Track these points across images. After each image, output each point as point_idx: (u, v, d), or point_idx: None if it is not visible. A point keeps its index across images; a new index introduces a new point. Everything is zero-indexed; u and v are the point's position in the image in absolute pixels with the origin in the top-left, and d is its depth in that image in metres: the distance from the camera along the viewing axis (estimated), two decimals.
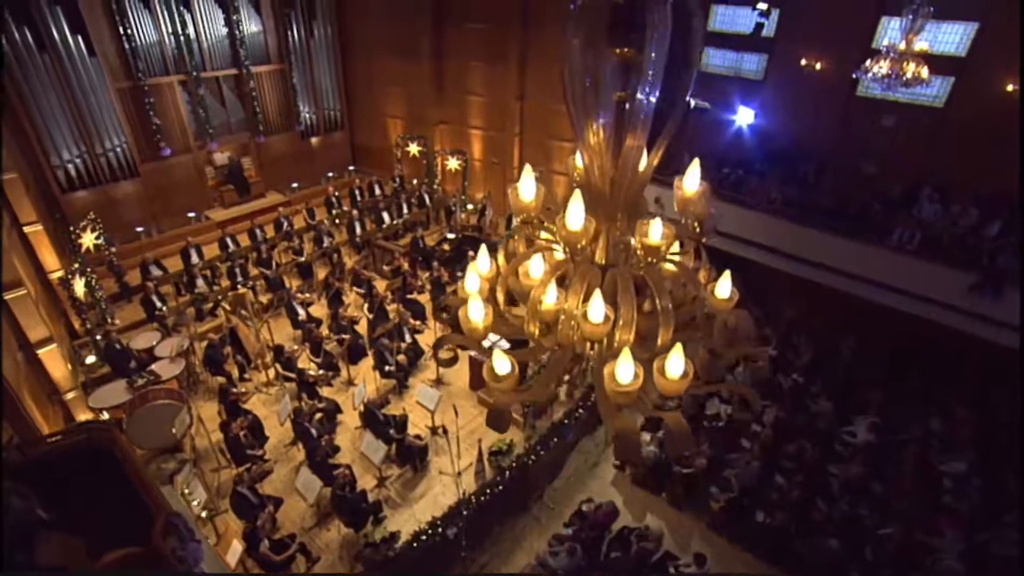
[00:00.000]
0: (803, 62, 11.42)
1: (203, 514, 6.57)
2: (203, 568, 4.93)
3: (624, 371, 1.62)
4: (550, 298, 1.83)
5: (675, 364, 1.66)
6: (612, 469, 9.56)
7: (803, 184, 11.78)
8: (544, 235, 2.08)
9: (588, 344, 1.81)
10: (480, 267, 2.09)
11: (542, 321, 1.84)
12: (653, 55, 1.62)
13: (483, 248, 2.09)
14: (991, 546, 7.46)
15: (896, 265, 10.23)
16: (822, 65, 11.33)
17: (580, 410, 9.42)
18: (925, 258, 10.01)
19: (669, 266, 2.00)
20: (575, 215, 1.71)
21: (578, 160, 2.04)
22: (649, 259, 1.73)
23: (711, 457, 9.00)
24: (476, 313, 1.89)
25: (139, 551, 4.26)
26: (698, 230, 1.89)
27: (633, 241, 1.75)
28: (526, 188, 1.88)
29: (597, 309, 1.66)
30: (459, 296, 2.01)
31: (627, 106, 1.76)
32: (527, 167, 1.83)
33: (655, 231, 1.72)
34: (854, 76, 8.83)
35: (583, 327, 1.66)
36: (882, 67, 8.11)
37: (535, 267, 1.92)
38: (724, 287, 1.90)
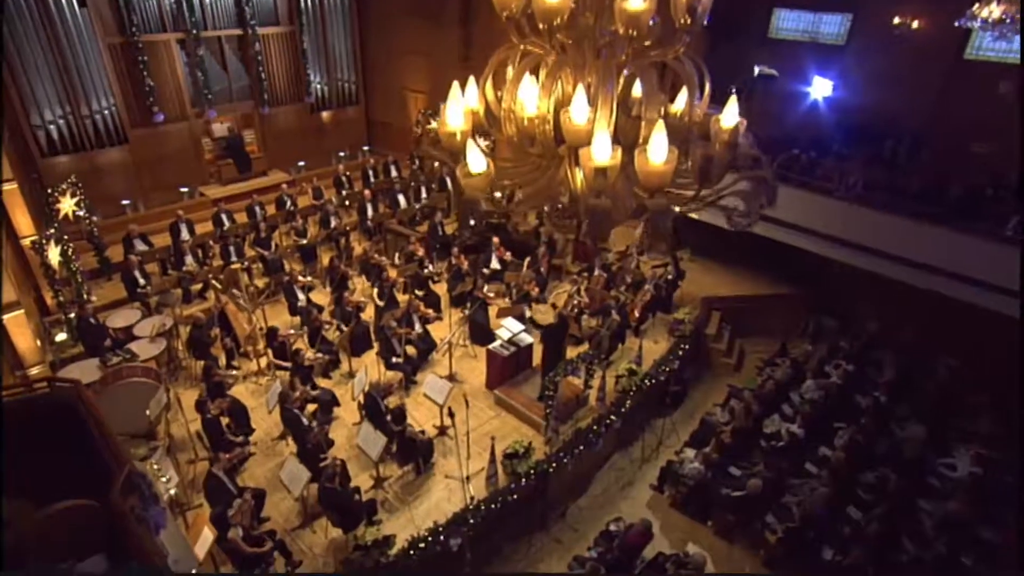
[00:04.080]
0: (896, 20, 11.32)
1: (172, 491, 6.81)
2: (162, 538, 5.15)
3: (600, 147, 1.71)
4: (530, 105, 1.95)
5: (657, 148, 1.74)
6: (648, 490, 9.48)
7: (892, 165, 11.58)
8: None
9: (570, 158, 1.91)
10: (468, 98, 2.21)
11: (525, 135, 1.96)
12: None
13: (471, 79, 2.23)
14: None
15: (1010, 261, 9.91)
16: (920, 23, 11.19)
17: (612, 417, 9.40)
18: None
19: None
20: None
21: None
22: (631, 31, 1.84)
23: (768, 479, 8.83)
24: (454, 118, 2.00)
25: (91, 504, 4.50)
26: (689, 22, 1.99)
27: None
28: None
29: (579, 107, 1.77)
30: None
31: None
32: None
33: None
34: (957, 24, 8.70)
35: (566, 128, 1.77)
36: (993, 10, 7.97)
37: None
38: (731, 115, 2.00)
